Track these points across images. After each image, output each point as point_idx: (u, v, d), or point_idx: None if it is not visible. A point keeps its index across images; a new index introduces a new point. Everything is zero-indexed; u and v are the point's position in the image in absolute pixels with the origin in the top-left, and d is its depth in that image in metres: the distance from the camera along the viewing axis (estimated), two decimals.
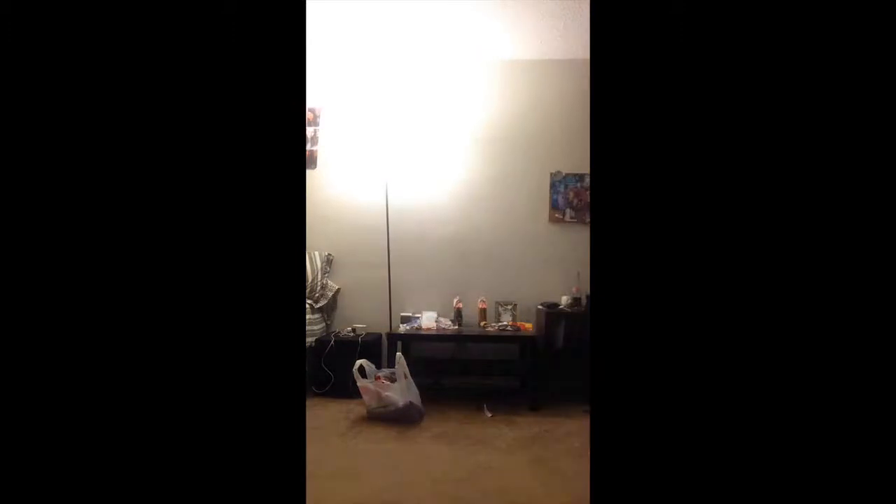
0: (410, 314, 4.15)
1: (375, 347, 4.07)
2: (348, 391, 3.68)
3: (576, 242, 4.29)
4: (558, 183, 4.38)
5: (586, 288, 3.98)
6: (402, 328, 4.02)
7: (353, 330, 4.14)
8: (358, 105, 4.49)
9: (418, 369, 3.74)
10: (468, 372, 4.23)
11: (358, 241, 4.44)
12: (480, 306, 4.12)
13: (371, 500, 2.16)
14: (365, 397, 3.39)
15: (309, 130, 4.50)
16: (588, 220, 4.22)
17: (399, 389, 3.32)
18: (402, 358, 3.43)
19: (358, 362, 3.46)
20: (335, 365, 3.84)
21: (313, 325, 4.15)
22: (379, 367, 3.79)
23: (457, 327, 4.02)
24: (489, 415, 3.48)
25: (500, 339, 3.94)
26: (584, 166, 4.30)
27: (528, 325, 4.05)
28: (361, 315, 4.34)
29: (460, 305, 4.10)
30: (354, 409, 3.51)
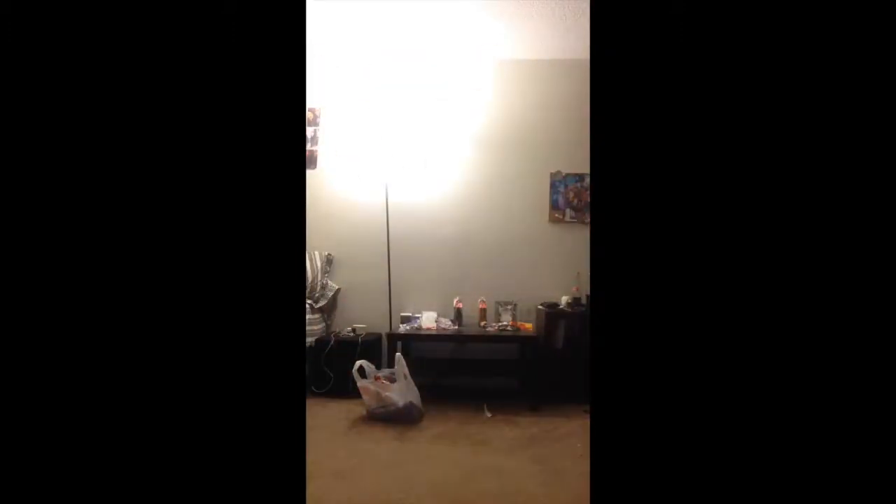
0: (410, 314, 4.15)
1: (375, 347, 4.07)
2: (348, 391, 3.68)
3: (576, 242, 4.29)
4: (558, 183, 4.38)
5: (586, 288, 3.98)
6: (402, 328, 4.02)
7: (353, 330, 4.15)
8: (358, 105, 4.49)
9: (418, 369, 3.74)
10: (468, 372, 4.23)
11: (358, 241, 4.44)
12: (480, 306, 4.12)
13: (371, 500, 2.16)
14: (365, 397, 3.39)
15: (309, 130, 4.50)
16: (588, 220, 4.22)
17: (399, 389, 3.32)
18: (402, 358, 3.43)
19: (358, 363, 3.46)
20: (335, 365, 3.84)
21: (313, 325, 4.15)
22: (379, 367, 3.79)
23: (457, 327, 4.02)
24: (489, 415, 3.47)
25: (499, 339, 3.94)
26: (584, 166, 4.31)
27: (528, 325, 4.05)
28: (361, 315, 4.34)
29: (460, 305, 4.10)
30: (354, 409, 3.51)
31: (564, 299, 4.10)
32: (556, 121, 4.37)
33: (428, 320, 4.05)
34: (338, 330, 4.27)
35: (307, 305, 4.14)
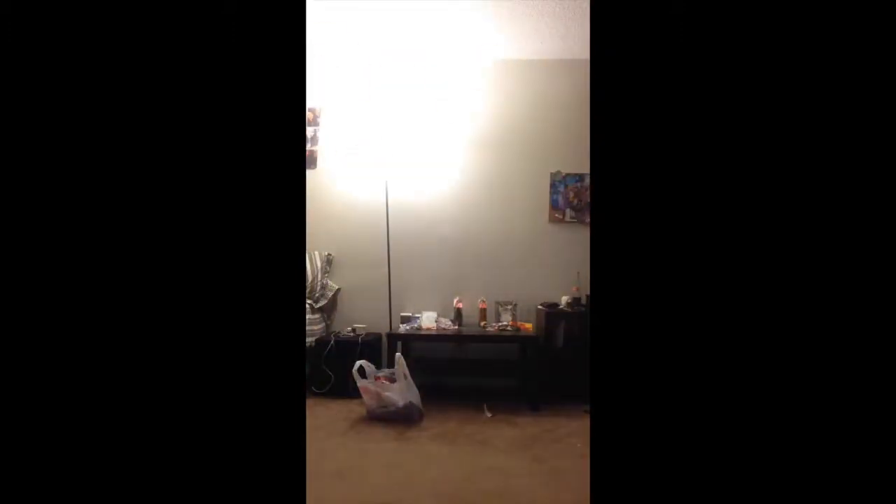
0: (410, 314, 4.15)
1: (375, 347, 4.07)
2: (348, 391, 3.68)
3: (576, 242, 4.29)
4: (558, 183, 4.38)
5: (586, 288, 3.98)
6: (402, 328, 4.02)
7: (353, 330, 4.14)
8: (358, 105, 4.50)
9: (418, 369, 3.74)
10: (468, 372, 4.23)
11: (358, 241, 4.44)
12: (480, 306, 4.12)
13: (371, 500, 2.16)
14: (365, 397, 3.39)
15: (309, 130, 4.50)
16: (588, 220, 4.22)
17: (399, 390, 3.32)
18: (402, 358, 3.43)
19: (358, 363, 3.46)
20: (335, 365, 3.84)
21: (313, 325, 4.15)
22: (379, 367, 3.79)
23: (457, 327, 4.02)
24: (489, 415, 3.48)
25: (500, 339, 3.94)
26: (584, 166, 4.31)
27: (528, 325, 4.05)
28: (361, 315, 4.34)
29: (460, 305, 4.10)
30: (354, 409, 3.51)
31: (564, 299, 4.10)
32: (556, 121, 4.37)
33: (428, 320, 4.05)
34: (338, 330, 4.27)
35: (307, 305, 4.14)
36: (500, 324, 4.09)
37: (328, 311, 4.41)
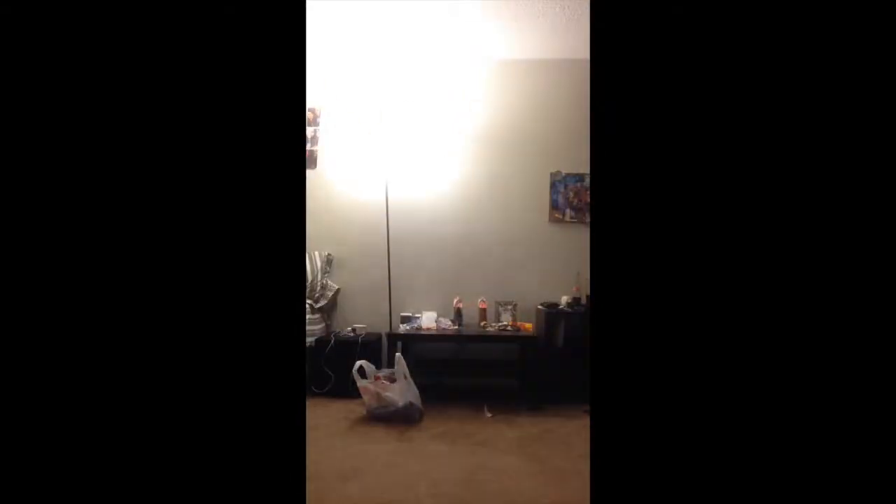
0: (410, 314, 4.15)
1: (375, 347, 4.07)
2: (348, 391, 3.68)
3: (576, 242, 4.29)
4: (558, 183, 4.38)
5: (586, 288, 3.98)
6: (402, 328, 4.02)
7: (353, 330, 4.14)
8: (358, 105, 4.49)
9: (418, 369, 3.74)
10: (468, 372, 4.22)
11: (358, 241, 4.43)
12: (480, 306, 4.12)
13: (371, 500, 2.16)
14: (365, 398, 3.39)
15: (309, 130, 4.50)
16: (588, 220, 4.22)
17: (399, 390, 3.32)
18: (402, 358, 3.43)
19: (358, 363, 3.46)
20: (335, 365, 3.84)
21: (313, 325, 4.15)
22: (379, 367, 3.79)
23: (457, 327, 4.02)
24: (489, 415, 3.48)
25: (500, 339, 3.94)
26: (584, 166, 4.31)
27: (528, 325, 4.05)
28: (361, 315, 4.34)
29: (460, 305, 4.10)
30: (354, 409, 3.51)
31: (564, 299, 4.09)
32: (556, 121, 4.37)
33: (428, 320, 4.05)
34: (338, 330, 4.27)
35: (307, 305, 4.14)
36: (500, 324, 4.09)
37: (328, 311, 4.41)
